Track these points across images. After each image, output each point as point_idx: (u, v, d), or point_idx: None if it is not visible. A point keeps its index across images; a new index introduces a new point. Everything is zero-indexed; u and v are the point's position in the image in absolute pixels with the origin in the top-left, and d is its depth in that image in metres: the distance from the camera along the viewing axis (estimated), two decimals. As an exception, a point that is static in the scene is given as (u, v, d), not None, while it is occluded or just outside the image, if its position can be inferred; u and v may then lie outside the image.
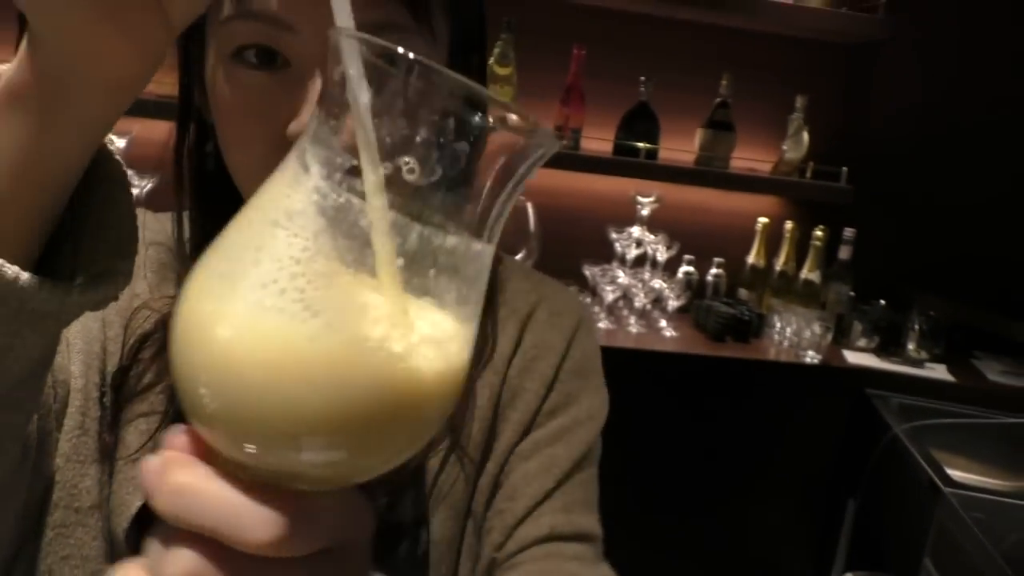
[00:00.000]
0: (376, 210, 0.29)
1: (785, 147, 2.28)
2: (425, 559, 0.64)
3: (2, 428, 0.43)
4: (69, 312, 0.38)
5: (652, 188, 2.14)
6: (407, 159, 0.30)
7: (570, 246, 2.14)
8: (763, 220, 2.31)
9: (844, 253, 2.25)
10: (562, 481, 0.66)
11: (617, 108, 2.20)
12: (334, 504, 0.31)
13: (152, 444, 0.60)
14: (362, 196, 0.29)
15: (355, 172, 0.29)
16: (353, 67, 0.29)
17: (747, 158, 2.31)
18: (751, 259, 2.33)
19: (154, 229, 0.66)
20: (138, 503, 0.59)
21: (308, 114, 0.51)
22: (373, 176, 0.29)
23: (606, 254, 2.16)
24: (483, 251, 0.32)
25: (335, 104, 0.30)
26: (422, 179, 0.30)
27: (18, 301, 0.36)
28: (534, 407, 0.69)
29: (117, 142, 1.61)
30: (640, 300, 2.13)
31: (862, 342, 2.23)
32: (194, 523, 0.29)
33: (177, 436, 0.31)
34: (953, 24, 2.34)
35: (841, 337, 2.23)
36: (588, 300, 2.17)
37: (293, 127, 0.52)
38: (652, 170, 2.18)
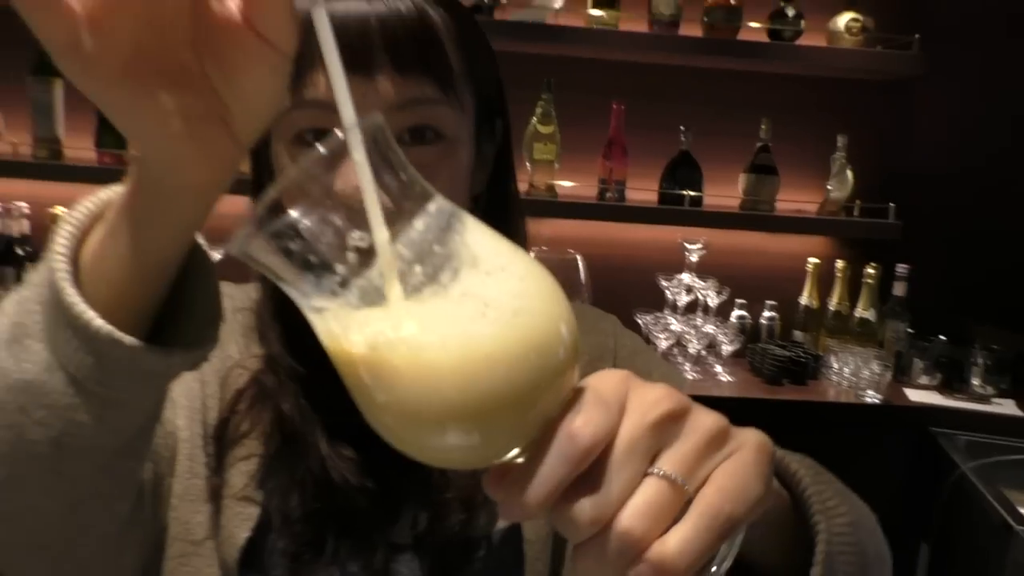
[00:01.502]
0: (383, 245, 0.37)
1: (830, 187, 2.28)
2: (521, 558, 0.70)
3: (124, 473, 0.53)
4: (172, 371, 0.47)
5: (699, 234, 2.16)
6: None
7: (621, 295, 2.15)
8: (813, 260, 2.31)
9: (899, 290, 2.23)
10: None
11: (659, 158, 2.24)
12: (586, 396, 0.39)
13: (255, 483, 0.67)
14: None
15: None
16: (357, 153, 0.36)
17: (792, 200, 2.32)
18: (804, 300, 2.32)
19: (239, 298, 0.74)
20: (245, 535, 0.66)
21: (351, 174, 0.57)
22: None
23: (657, 302, 2.18)
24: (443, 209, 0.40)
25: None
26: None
27: (134, 363, 0.45)
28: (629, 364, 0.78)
29: None
30: (694, 346, 2.13)
31: (924, 379, 2.20)
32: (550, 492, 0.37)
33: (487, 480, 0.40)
34: (987, 53, 2.34)
35: (901, 375, 2.20)
36: (641, 348, 2.19)
37: (338, 186, 0.57)
38: (698, 217, 2.21)
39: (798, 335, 2.31)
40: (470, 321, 0.35)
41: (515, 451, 0.38)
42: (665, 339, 2.13)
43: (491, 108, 0.72)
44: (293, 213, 0.36)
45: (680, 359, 2.17)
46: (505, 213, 0.76)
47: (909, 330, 2.24)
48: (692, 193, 2.21)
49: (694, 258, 2.14)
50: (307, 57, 0.57)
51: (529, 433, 0.38)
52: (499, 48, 0.77)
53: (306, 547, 0.66)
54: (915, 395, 2.11)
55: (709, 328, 2.14)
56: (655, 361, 0.85)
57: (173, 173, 0.41)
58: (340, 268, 0.37)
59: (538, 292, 0.37)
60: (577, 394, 0.38)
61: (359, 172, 0.36)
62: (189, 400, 0.69)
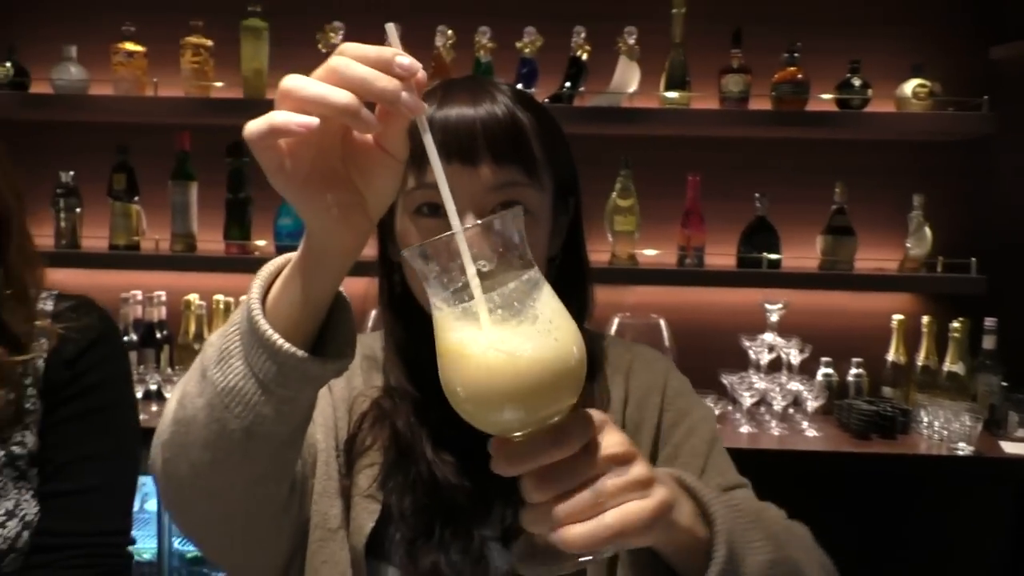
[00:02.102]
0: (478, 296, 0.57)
1: (909, 244, 2.34)
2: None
3: (286, 461, 0.73)
4: (327, 376, 0.65)
5: (779, 295, 2.24)
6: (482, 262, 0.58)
7: (705, 357, 2.24)
8: (898, 317, 2.34)
9: (988, 343, 2.24)
10: (707, 459, 0.89)
11: (736, 225, 2.36)
12: (573, 420, 0.59)
13: (377, 484, 0.85)
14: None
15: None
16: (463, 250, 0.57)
17: (872, 258, 2.38)
18: (891, 356, 2.35)
19: (365, 344, 0.94)
20: (370, 526, 0.83)
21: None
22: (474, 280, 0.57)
23: (741, 362, 2.25)
24: (530, 275, 0.60)
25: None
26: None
27: (303, 370, 0.64)
28: (657, 423, 0.91)
29: None
30: (779, 403, 2.19)
31: (1021, 432, 2.18)
32: (522, 464, 0.59)
33: (493, 445, 0.61)
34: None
35: (996, 428, 2.19)
36: (729, 407, 2.26)
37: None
38: (777, 278, 2.29)
39: (887, 391, 2.34)
40: (522, 342, 0.57)
41: (539, 426, 0.58)
42: (750, 397, 2.20)
43: (566, 188, 0.91)
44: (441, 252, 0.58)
45: (767, 417, 2.23)
46: (577, 273, 0.94)
47: (1003, 383, 2.23)
48: (770, 256, 2.31)
49: (775, 318, 2.22)
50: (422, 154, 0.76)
51: (549, 416, 0.58)
52: (580, 131, 0.96)
53: (419, 536, 0.82)
54: (1011, 447, 2.09)
55: (793, 385, 2.20)
56: (695, 403, 0.95)
57: (330, 241, 0.62)
58: (455, 290, 0.58)
59: (566, 336, 0.59)
60: (577, 409, 0.60)
61: (461, 248, 0.57)
62: (325, 420, 0.88)
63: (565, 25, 2.31)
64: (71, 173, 2.43)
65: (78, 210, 2.44)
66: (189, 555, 2.31)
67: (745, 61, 2.29)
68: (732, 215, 2.37)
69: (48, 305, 0.99)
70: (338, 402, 0.90)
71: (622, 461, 0.59)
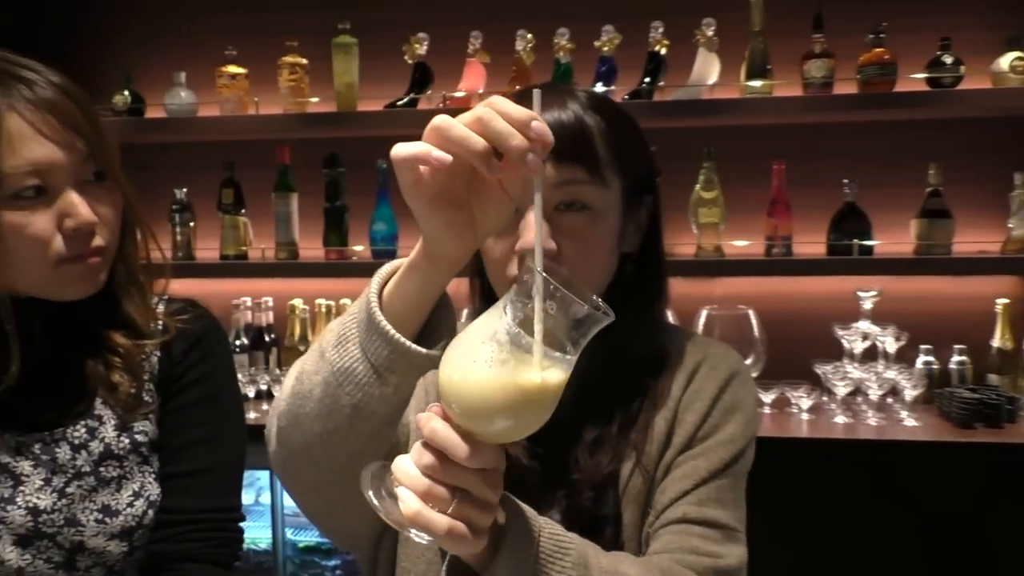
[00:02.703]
0: (537, 336, 0.66)
1: (1011, 224, 2.25)
2: (621, 541, 0.91)
3: (383, 438, 0.80)
4: (430, 364, 0.74)
5: (872, 283, 2.20)
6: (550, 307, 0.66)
7: (797, 347, 2.23)
8: (1003, 301, 2.26)
9: (1103, 325, 2.13)
10: (698, 484, 0.91)
11: (824, 212, 2.32)
12: (490, 449, 0.69)
13: None
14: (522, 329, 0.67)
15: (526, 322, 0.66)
16: (536, 291, 0.65)
17: (972, 241, 2.30)
18: (996, 342, 2.26)
19: None
20: None
21: (528, 235, 0.87)
22: (538, 323, 0.65)
23: (834, 351, 2.22)
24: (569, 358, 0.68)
25: (525, 294, 0.67)
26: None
27: (410, 356, 0.73)
28: (691, 433, 0.94)
29: None
30: (875, 393, 2.15)
31: None
32: (435, 442, 0.68)
33: (435, 407, 0.69)
34: None
35: (1114, 414, 2.08)
36: (823, 398, 2.23)
37: (520, 245, 0.88)
38: (869, 265, 2.24)
39: (992, 378, 2.25)
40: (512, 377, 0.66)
41: (480, 432, 0.68)
42: (844, 386, 2.16)
43: (640, 186, 0.97)
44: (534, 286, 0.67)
45: (864, 407, 2.19)
46: (655, 268, 1.01)
47: (1121, 367, 2.12)
48: (862, 242, 2.26)
49: (868, 306, 2.18)
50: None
51: (495, 434, 0.68)
52: (660, 126, 1.01)
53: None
54: None
55: (890, 374, 2.15)
56: (734, 421, 0.95)
57: (441, 250, 0.72)
58: (517, 322, 0.67)
59: (549, 399, 0.68)
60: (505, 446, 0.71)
61: (536, 302, 0.65)
62: (417, 403, 0.96)
63: (642, 21, 2.34)
64: (184, 190, 2.61)
65: (192, 224, 2.62)
66: (301, 545, 2.45)
67: (828, 45, 2.25)
68: (820, 202, 2.33)
69: (160, 308, 1.10)
70: (429, 386, 0.99)
71: (488, 504, 0.70)
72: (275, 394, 2.42)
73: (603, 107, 0.93)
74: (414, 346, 0.73)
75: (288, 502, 2.43)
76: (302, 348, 2.49)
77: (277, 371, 2.50)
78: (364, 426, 0.77)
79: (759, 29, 2.27)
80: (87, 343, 1.03)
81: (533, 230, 0.81)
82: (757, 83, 2.27)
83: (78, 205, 0.94)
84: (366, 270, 2.60)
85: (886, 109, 2.26)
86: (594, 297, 0.67)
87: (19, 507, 0.98)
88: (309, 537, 2.44)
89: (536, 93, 0.68)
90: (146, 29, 2.76)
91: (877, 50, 2.22)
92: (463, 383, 0.66)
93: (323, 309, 2.51)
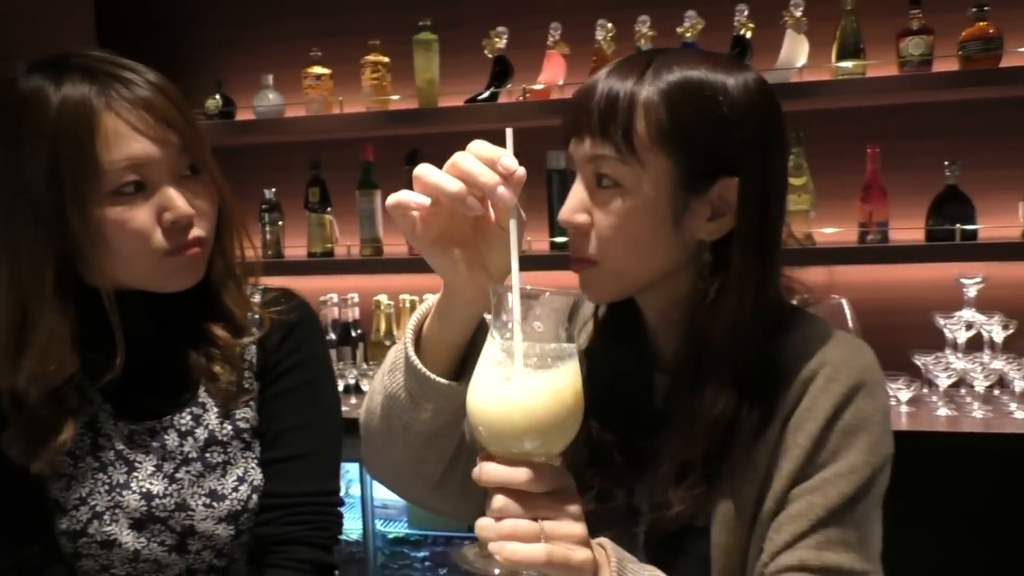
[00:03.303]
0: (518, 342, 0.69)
1: None
2: (708, 558, 0.86)
3: (442, 448, 0.88)
4: (459, 393, 0.78)
5: (976, 269, 2.09)
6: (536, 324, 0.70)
7: (894, 337, 2.13)
8: (1122, 286, 2.12)
9: None
10: (816, 525, 0.82)
11: (922, 196, 2.22)
12: (546, 468, 0.69)
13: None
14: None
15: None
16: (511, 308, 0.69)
17: (1087, 223, 2.16)
18: (1116, 330, 2.12)
19: None
20: None
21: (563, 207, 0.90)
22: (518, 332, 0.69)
23: (935, 341, 2.12)
24: (567, 347, 0.71)
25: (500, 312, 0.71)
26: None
27: (437, 389, 0.82)
28: (802, 460, 0.83)
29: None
30: (980, 384, 2.04)
31: None
32: (495, 482, 0.69)
33: (481, 457, 0.72)
34: None
35: None
36: (924, 390, 2.14)
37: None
38: (973, 251, 2.13)
39: (1113, 368, 2.11)
40: (538, 391, 0.69)
41: (525, 458, 0.69)
42: (947, 378, 2.06)
43: (712, 165, 0.85)
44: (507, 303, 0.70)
45: (967, 399, 2.08)
46: (753, 254, 0.87)
47: None
48: (965, 227, 2.15)
49: (972, 293, 2.07)
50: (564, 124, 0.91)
51: (538, 454, 0.70)
52: None
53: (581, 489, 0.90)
54: None
55: (997, 364, 2.04)
56: (854, 446, 0.84)
57: (458, 291, 0.78)
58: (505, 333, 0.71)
59: (574, 404, 0.70)
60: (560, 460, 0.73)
61: (515, 324, 0.69)
62: None
63: (726, 5, 2.28)
64: (273, 190, 2.69)
65: (280, 223, 2.69)
66: (391, 535, 2.49)
67: (925, 21, 2.15)
68: (918, 186, 2.23)
69: (256, 298, 1.13)
70: None
71: (573, 516, 0.71)
72: (363, 388, 2.47)
73: (668, 79, 0.84)
74: (439, 379, 0.81)
75: (378, 494, 2.48)
76: (387, 343, 2.53)
77: (364, 365, 2.55)
78: (415, 441, 0.87)
79: (851, 8, 2.18)
80: (189, 335, 1.06)
81: (567, 202, 0.88)
82: (849, 63, 2.18)
83: (175, 199, 0.97)
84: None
85: (991, 86, 2.13)
86: (547, 291, 0.70)
87: (133, 492, 1.03)
88: (399, 528, 2.49)
89: (508, 132, 0.72)
90: (235, 34, 2.85)
91: (981, 24, 2.11)
92: (485, 412, 0.69)
93: (407, 304, 2.54)
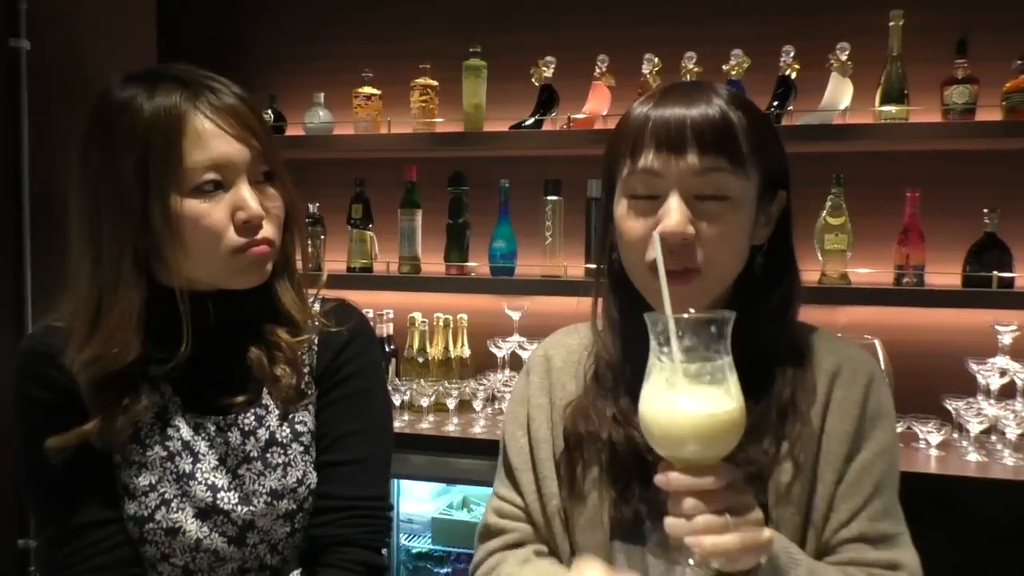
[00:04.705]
0: (678, 362, 0.80)
1: None
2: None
3: None
4: None
5: (1011, 317, 2.10)
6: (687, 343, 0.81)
7: (926, 380, 2.15)
8: None
9: None
10: (867, 501, 0.97)
11: (960, 242, 2.23)
12: (722, 466, 0.80)
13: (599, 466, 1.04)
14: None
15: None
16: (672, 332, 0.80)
17: (1126, 277, 2.17)
18: None
19: (574, 347, 1.15)
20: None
21: (667, 221, 0.92)
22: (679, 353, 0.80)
23: (967, 387, 2.13)
24: (726, 361, 0.81)
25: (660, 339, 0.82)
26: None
27: None
28: (848, 444, 0.98)
29: (512, 314, 2.16)
30: (1012, 431, 2.05)
31: None
32: (683, 487, 0.80)
33: (660, 474, 0.83)
34: None
35: None
36: (954, 435, 2.14)
37: (660, 229, 0.92)
38: (1009, 298, 2.14)
39: None
40: (709, 401, 0.80)
41: (701, 462, 0.80)
42: (979, 423, 2.07)
43: (774, 180, 1.00)
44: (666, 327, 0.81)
45: (999, 445, 2.08)
46: (784, 262, 1.03)
47: None
48: (1002, 274, 2.16)
49: (1007, 340, 2.08)
50: (636, 142, 0.95)
51: (713, 456, 0.80)
52: (788, 150, 1.01)
53: (619, 496, 1.01)
54: None
55: (1030, 413, 2.04)
56: (882, 428, 1.00)
57: None
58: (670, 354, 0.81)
59: (738, 405, 0.80)
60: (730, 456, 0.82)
61: (672, 338, 0.80)
62: (519, 423, 1.10)
63: (774, 45, 2.32)
64: (317, 204, 2.75)
65: (323, 237, 2.75)
66: (415, 551, 2.52)
67: (971, 71, 2.18)
68: (956, 232, 2.25)
69: (316, 306, 1.18)
70: (532, 409, 1.09)
71: (748, 504, 0.81)
72: (394, 403, 2.50)
73: (742, 103, 0.96)
74: None
75: (403, 508, 2.51)
76: (420, 360, 2.57)
77: (396, 380, 2.59)
78: None
79: (897, 54, 2.21)
80: (253, 335, 1.11)
81: (673, 215, 0.91)
82: (892, 108, 2.21)
83: (249, 199, 1.03)
84: (484, 286, 2.67)
85: (1029, 137, 2.16)
86: (685, 315, 0.80)
87: (199, 483, 1.07)
88: (423, 544, 2.51)
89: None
90: (290, 53, 2.93)
91: (1024, 76, 2.13)
92: (659, 426, 0.80)
93: (441, 323, 2.59)
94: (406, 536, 2.53)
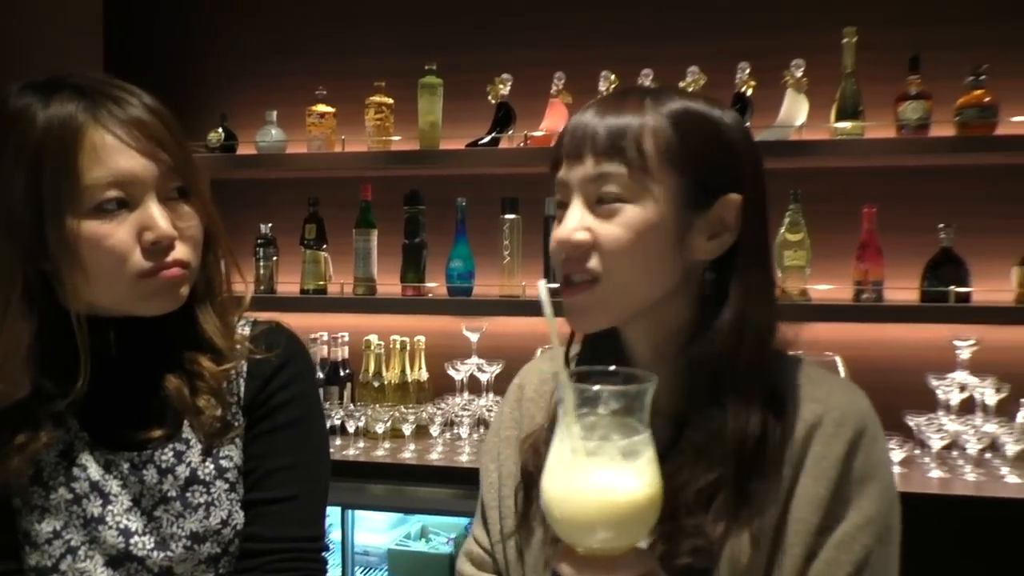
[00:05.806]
0: (575, 433, 0.70)
1: (1123, 274, 2.12)
2: None
3: None
4: None
5: (969, 331, 2.10)
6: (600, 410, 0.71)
7: (887, 396, 2.08)
8: (1114, 355, 2.12)
9: None
10: None
11: (917, 258, 2.24)
12: (630, 555, 0.70)
13: None
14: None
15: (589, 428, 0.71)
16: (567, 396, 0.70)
17: (1079, 291, 2.18)
18: (1107, 398, 2.12)
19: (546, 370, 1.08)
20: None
21: (557, 231, 0.90)
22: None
23: (927, 402, 2.12)
24: (643, 437, 0.70)
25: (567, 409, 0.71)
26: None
27: None
28: (823, 511, 0.83)
29: (471, 336, 2.10)
30: (973, 447, 2.03)
31: None
32: None
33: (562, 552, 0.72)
34: None
35: None
36: (916, 451, 2.12)
37: (552, 236, 0.90)
38: (967, 313, 2.14)
39: (1105, 436, 2.11)
40: (618, 482, 0.68)
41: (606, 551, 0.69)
42: (939, 439, 2.05)
43: (714, 185, 0.87)
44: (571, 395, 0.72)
45: (960, 461, 2.07)
46: (752, 273, 0.89)
47: None
48: (959, 289, 2.16)
49: (966, 355, 2.08)
50: (559, 154, 0.91)
51: (618, 547, 0.69)
52: None
53: None
54: None
55: (990, 428, 2.03)
56: (867, 495, 0.83)
57: None
58: (585, 421, 0.71)
59: (653, 490, 0.69)
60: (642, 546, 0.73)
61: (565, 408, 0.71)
62: (490, 480, 1.04)
63: (729, 63, 2.32)
64: (269, 225, 2.68)
65: (275, 258, 2.68)
66: (370, 582, 2.43)
67: (924, 87, 2.19)
68: (913, 248, 2.25)
69: (245, 330, 1.08)
70: (500, 466, 1.03)
71: None
72: (348, 429, 2.43)
73: (671, 106, 0.87)
74: None
75: (358, 540, 2.43)
76: (376, 384, 2.50)
77: (351, 406, 2.51)
78: None
79: (851, 71, 2.22)
80: (170, 364, 1.02)
81: (565, 222, 0.87)
82: (847, 124, 2.21)
83: (158, 218, 0.94)
84: (441, 307, 2.61)
85: (986, 153, 2.17)
86: (610, 368, 0.71)
87: (110, 527, 0.98)
88: None
89: (541, 285, 0.77)
90: (241, 70, 2.86)
91: (977, 92, 2.15)
92: (559, 508, 0.69)
93: (397, 346, 2.52)
94: (361, 569, 2.44)
